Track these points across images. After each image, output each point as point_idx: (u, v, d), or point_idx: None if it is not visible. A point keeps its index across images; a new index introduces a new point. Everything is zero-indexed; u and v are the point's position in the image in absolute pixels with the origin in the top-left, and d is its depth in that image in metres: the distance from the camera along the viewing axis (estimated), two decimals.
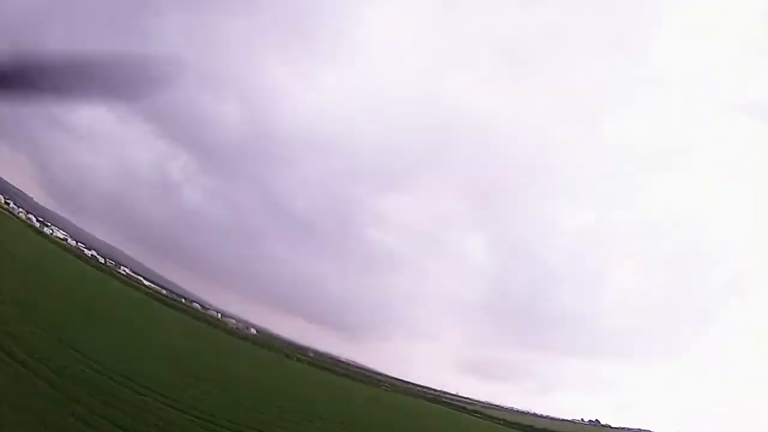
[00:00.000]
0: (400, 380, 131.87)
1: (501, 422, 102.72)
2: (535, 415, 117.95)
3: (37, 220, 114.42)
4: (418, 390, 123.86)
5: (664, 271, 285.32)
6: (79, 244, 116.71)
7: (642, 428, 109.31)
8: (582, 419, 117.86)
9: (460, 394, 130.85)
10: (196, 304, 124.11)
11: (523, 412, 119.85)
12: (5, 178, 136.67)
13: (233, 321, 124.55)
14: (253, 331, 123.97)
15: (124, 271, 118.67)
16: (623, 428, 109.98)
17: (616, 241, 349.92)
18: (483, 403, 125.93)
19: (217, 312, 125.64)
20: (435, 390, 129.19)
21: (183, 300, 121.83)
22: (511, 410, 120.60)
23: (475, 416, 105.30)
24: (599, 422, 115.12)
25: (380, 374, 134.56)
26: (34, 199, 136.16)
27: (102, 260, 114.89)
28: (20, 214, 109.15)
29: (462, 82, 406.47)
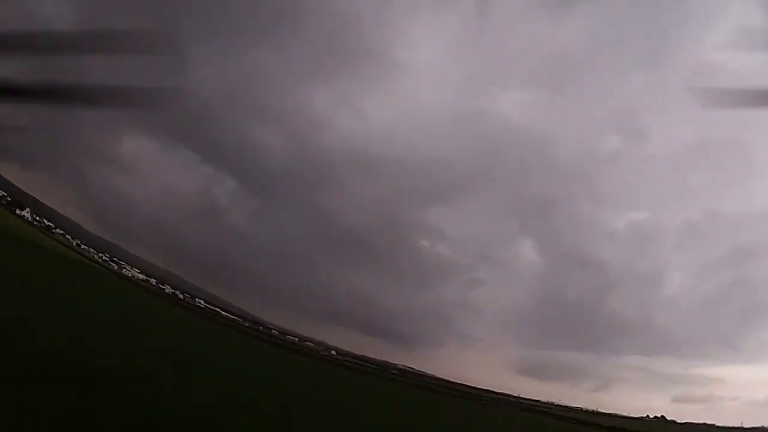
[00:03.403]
0: (457, 383, 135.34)
1: (571, 420, 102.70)
2: (598, 413, 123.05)
3: (112, 261, 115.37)
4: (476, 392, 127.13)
5: (720, 266, 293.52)
6: (151, 280, 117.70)
7: (707, 422, 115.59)
8: (647, 416, 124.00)
9: (520, 395, 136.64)
10: (275, 331, 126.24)
11: (586, 410, 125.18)
12: (55, 207, 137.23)
13: (311, 344, 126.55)
14: (334, 353, 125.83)
15: (201, 303, 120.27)
16: (689, 423, 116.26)
17: (668, 240, 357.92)
18: (545, 402, 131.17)
19: (295, 336, 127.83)
20: (495, 392, 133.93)
21: (261, 328, 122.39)
22: (575, 409, 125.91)
23: (541, 414, 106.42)
24: (665, 418, 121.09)
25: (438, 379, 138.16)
26: (83, 227, 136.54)
27: (181, 296, 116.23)
28: (92, 253, 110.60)
29: (504, 96, 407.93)
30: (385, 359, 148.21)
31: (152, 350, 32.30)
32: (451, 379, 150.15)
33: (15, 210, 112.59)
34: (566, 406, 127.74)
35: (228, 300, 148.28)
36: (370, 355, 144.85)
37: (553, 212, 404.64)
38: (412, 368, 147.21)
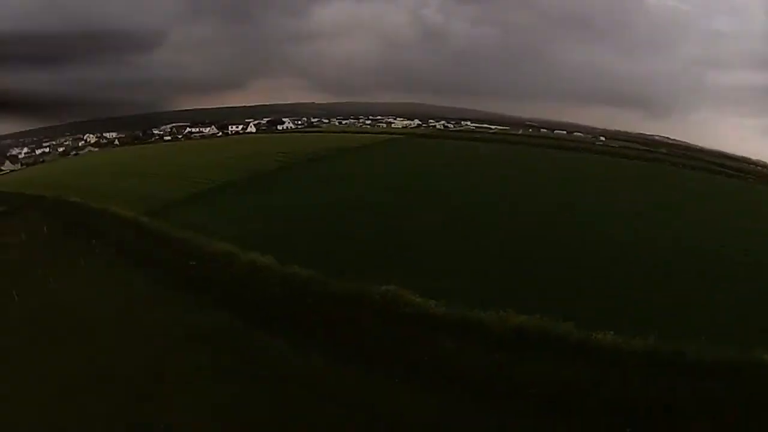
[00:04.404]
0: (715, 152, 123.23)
1: None
2: None
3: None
4: None
5: None
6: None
7: None
8: None
9: None
10: (544, 130, 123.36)
11: None
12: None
13: (580, 134, 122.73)
14: (602, 138, 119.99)
15: (467, 125, 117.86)
16: None
17: None
18: None
19: (561, 128, 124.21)
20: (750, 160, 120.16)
21: (520, 132, 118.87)
22: None
23: None
24: None
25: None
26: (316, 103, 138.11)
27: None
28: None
29: None
30: (641, 132, 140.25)
31: None
32: (708, 148, 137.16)
33: (276, 127, 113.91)
34: None
35: (483, 110, 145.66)
36: (626, 129, 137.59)
37: None
38: (668, 138, 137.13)
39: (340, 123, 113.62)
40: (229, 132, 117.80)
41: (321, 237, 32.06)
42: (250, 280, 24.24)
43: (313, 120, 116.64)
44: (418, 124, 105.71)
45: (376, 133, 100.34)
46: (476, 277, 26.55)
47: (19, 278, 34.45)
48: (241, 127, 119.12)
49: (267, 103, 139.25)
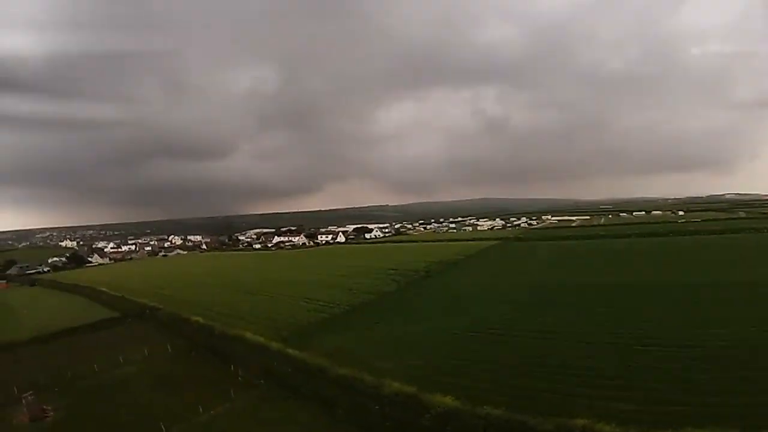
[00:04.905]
0: None
1: None
2: None
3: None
4: None
5: None
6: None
7: None
8: None
9: None
10: (624, 214, 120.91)
11: None
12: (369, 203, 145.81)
13: (659, 212, 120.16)
14: (681, 213, 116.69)
15: (548, 219, 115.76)
16: None
17: None
18: None
19: (640, 210, 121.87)
20: None
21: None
22: None
23: None
24: None
25: None
26: (390, 205, 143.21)
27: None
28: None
29: None
30: (712, 194, 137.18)
31: None
32: None
33: (364, 235, 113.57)
34: None
35: (554, 197, 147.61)
36: (696, 194, 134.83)
37: None
38: (738, 194, 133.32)
39: (424, 228, 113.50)
40: (320, 242, 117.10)
41: (483, 367, 31.18)
42: (445, 425, 23.42)
43: (395, 224, 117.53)
44: (502, 225, 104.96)
45: (471, 240, 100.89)
46: (646, 396, 25.78)
47: (159, 402, 34.06)
48: (330, 236, 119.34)
49: (342, 207, 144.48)
